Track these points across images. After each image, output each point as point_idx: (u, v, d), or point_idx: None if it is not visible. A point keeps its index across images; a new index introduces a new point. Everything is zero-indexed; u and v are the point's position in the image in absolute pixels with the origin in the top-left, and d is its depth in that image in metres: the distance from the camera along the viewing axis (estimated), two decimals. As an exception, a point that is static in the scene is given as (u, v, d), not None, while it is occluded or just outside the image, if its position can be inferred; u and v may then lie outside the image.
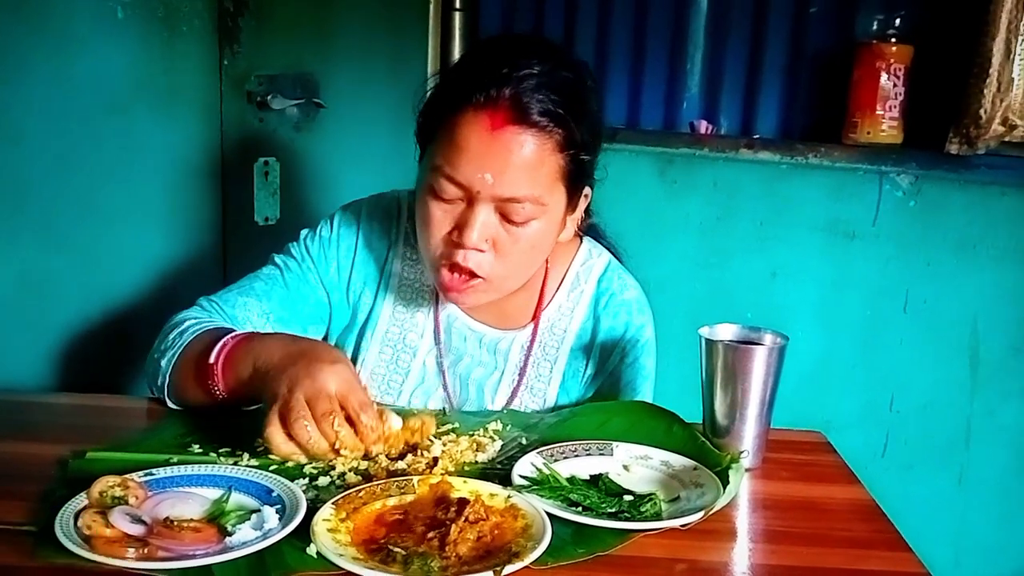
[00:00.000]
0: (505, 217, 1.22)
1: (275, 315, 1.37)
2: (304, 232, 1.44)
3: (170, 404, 1.27)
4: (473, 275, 1.23)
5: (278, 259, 1.42)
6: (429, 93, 1.30)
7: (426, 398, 1.41)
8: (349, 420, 1.06)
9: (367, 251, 1.42)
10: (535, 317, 1.41)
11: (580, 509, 1.00)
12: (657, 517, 0.99)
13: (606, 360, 1.41)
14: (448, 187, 1.20)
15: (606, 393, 1.40)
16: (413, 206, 1.40)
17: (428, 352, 1.41)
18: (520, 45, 1.26)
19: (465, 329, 1.41)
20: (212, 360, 1.17)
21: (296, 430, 1.03)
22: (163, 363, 1.25)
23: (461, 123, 1.19)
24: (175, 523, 0.91)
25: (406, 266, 1.42)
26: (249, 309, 1.35)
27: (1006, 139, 2.17)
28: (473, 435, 1.19)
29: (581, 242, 1.46)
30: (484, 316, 1.40)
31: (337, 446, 1.04)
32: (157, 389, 1.28)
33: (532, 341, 1.41)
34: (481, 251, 1.22)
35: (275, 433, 1.04)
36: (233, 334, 1.20)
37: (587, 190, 1.33)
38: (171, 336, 1.27)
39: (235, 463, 1.08)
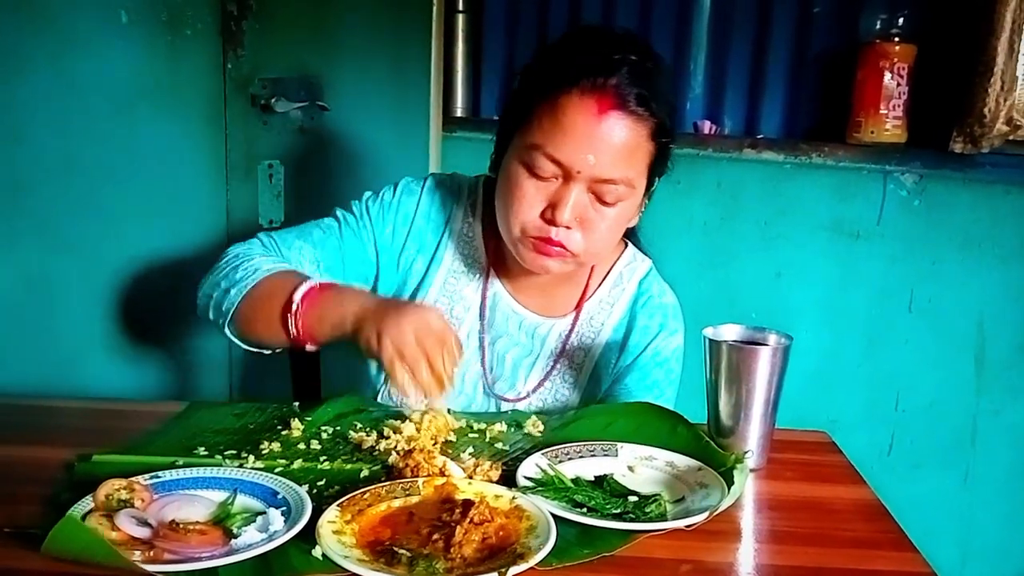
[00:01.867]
0: (597, 197, 1.28)
1: (325, 264, 1.40)
2: (367, 193, 1.48)
3: (228, 334, 1.32)
4: (562, 248, 1.28)
5: (339, 212, 1.46)
6: (521, 79, 1.34)
7: (464, 369, 1.43)
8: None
9: (425, 221, 1.45)
10: (578, 307, 1.46)
11: (585, 510, 1.00)
12: (662, 518, 0.99)
13: (637, 354, 1.45)
14: (547, 165, 1.25)
15: (631, 386, 1.43)
16: (474, 188, 1.48)
17: (472, 326, 1.44)
18: (617, 35, 1.31)
19: (508, 310, 1.44)
20: (298, 299, 1.22)
21: (408, 355, 1.13)
22: (232, 292, 1.29)
23: (567, 105, 1.23)
24: (181, 526, 0.91)
25: (462, 242, 1.45)
26: (303, 253, 1.39)
27: (1010, 138, 2.17)
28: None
29: (626, 246, 1.51)
30: (528, 302, 1.45)
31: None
32: (220, 315, 1.31)
33: (571, 330, 1.45)
34: (569, 228, 1.27)
35: (389, 353, 1.14)
36: (316, 279, 1.26)
37: (656, 179, 1.37)
38: (242, 267, 1.31)
39: (240, 465, 1.09)
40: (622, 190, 1.27)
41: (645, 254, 1.53)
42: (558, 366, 1.45)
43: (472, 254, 1.45)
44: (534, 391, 1.45)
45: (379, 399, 1.43)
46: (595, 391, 1.46)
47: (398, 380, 1.14)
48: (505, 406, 1.42)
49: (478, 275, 1.45)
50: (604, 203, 1.28)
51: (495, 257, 1.44)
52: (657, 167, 1.33)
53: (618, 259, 1.49)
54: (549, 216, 1.27)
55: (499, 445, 1.18)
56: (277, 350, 1.35)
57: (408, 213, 1.45)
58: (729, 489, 1.04)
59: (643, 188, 1.32)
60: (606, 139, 1.23)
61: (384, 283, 1.46)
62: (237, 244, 1.40)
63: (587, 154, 1.23)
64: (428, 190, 1.47)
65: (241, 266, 1.31)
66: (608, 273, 1.48)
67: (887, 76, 2.24)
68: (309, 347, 1.26)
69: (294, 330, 1.23)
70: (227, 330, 1.31)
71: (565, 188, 1.26)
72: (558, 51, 1.31)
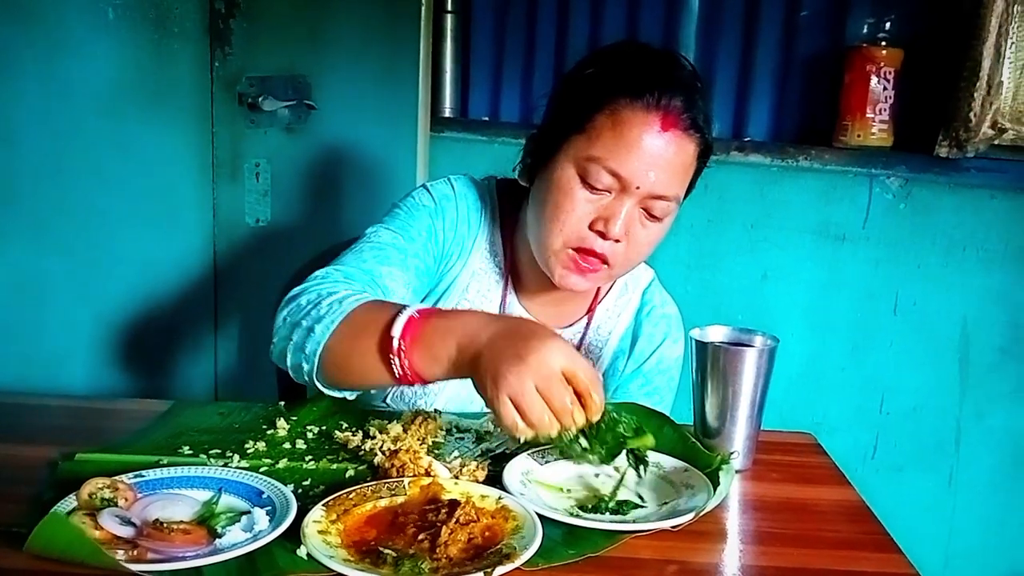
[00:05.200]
0: (646, 211, 1.27)
1: (413, 286, 1.34)
2: (400, 204, 1.40)
3: (314, 380, 1.16)
4: (603, 262, 1.27)
5: (393, 227, 1.35)
6: (573, 85, 1.31)
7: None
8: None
9: (466, 225, 1.42)
10: (589, 311, 1.46)
11: (572, 506, 1.01)
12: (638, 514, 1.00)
13: (642, 362, 1.46)
14: (605, 178, 1.23)
15: (634, 393, 1.44)
16: (491, 191, 1.45)
17: None
18: (670, 54, 1.30)
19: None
20: (398, 334, 1.05)
21: (533, 418, 0.97)
22: (319, 329, 1.12)
23: (632, 119, 1.22)
24: (165, 525, 0.90)
25: (486, 247, 1.43)
26: (395, 279, 1.30)
27: (995, 142, 2.19)
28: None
29: None
30: (538, 311, 1.44)
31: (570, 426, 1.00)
32: (303, 358, 1.14)
33: (581, 339, 1.45)
34: (618, 241, 1.26)
35: (510, 417, 0.98)
36: (417, 307, 1.09)
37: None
38: (325, 302, 1.15)
39: (225, 465, 1.08)
40: (672, 206, 1.27)
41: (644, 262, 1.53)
42: None
43: (493, 259, 1.43)
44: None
45: (388, 400, 1.42)
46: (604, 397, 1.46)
47: (512, 427, 0.99)
48: None
49: (497, 281, 1.43)
50: (652, 218, 1.27)
51: (510, 263, 1.43)
52: (692, 184, 1.33)
53: None
54: (600, 228, 1.25)
55: (485, 445, 1.18)
56: (373, 391, 1.24)
57: (452, 218, 1.41)
58: (715, 490, 1.04)
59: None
60: (666, 156, 1.23)
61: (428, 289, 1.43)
62: (312, 282, 1.23)
63: (649, 171, 1.22)
64: (460, 194, 1.42)
65: (324, 301, 1.16)
66: (614, 282, 1.48)
67: (874, 80, 2.25)
68: (419, 387, 1.13)
69: (400, 371, 1.07)
70: (314, 376, 1.15)
71: (618, 202, 1.24)
72: (615, 61, 1.29)
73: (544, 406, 0.98)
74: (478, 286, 1.42)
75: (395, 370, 1.07)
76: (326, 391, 1.18)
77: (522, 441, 1.02)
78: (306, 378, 1.17)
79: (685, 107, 1.23)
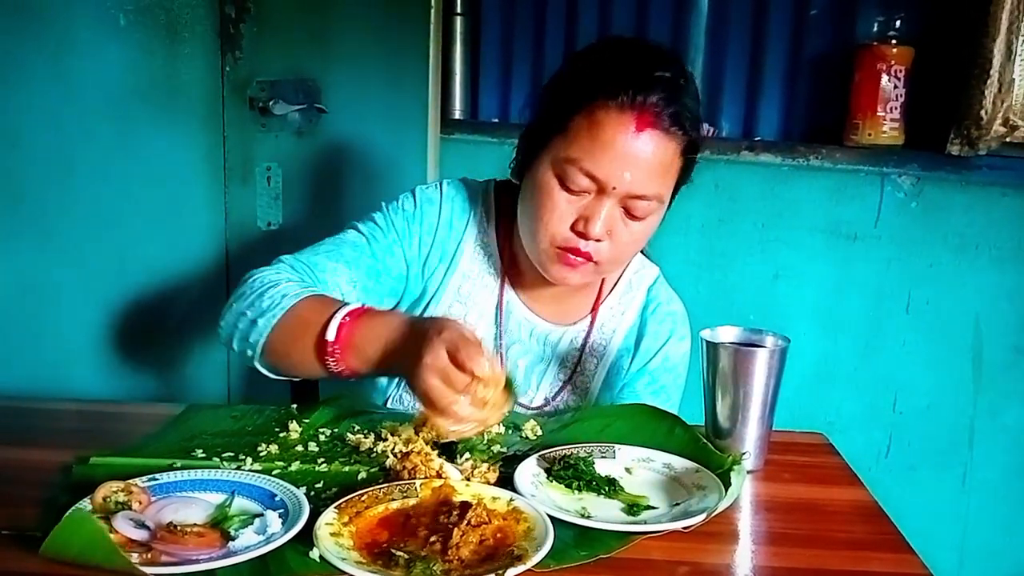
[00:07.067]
0: (628, 211, 1.28)
1: (361, 284, 1.37)
2: (385, 205, 1.44)
3: (257, 366, 1.25)
4: (588, 259, 1.29)
5: (363, 227, 1.41)
6: (555, 85, 1.33)
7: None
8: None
9: (448, 229, 1.43)
10: (593, 309, 1.46)
11: (583, 508, 1.01)
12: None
13: (648, 360, 1.46)
14: (582, 180, 1.25)
15: (641, 392, 1.44)
16: (486, 193, 1.46)
17: (487, 332, 1.43)
18: (652, 49, 1.31)
19: (522, 317, 1.44)
20: (331, 338, 1.15)
21: (455, 415, 1.06)
22: (261, 323, 1.21)
23: (605, 120, 1.23)
24: (178, 528, 0.91)
25: (478, 249, 1.44)
26: (339, 275, 1.35)
27: (1007, 140, 2.18)
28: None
29: None
30: (542, 309, 1.45)
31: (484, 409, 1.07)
32: (247, 346, 1.23)
33: (586, 337, 1.45)
34: (600, 240, 1.27)
35: (441, 425, 1.08)
36: (348, 309, 1.17)
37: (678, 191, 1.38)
38: (268, 294, 1.23)
39: (238, 468, 1.09)
40: (653, 205, 1.28)
41: (650, 260, 1.53)
42: (573, 374, 1.45)
43: (487, 261, 1.44)
44: (554, 398, 1.45)
45: (389, 404, 1.43)
46: (608, 397, 1.46)
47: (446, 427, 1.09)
48: (518, 411, 1.42)
49: (493, 282, 1.44)
50: (634, 217, 1.28)
51: (509, 264, 1.44)
52: (682, 180, 1.33)
53: (627, 266, 1.49)
54: (581, 229, 1.26)
55: (497, 447, 1.18)
56: (373, 395, 1.31)
57: (432, 223, 1.43)
58: (727, 491, 1.04)
59: (667, 201, 1.32)
60: (642, 156, 1.23)
61: (409, 293, 1.44)
62: (262, 268, 1.31)
63: (624, 171, 1.23)
64: (447, 198, 1.44)
65: (267, 293, 1.24)
66: (618, 280, 1.48)
67: (884, 78, 2.24)
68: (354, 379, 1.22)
69: (335, 370, 1.17)
70: (257, 363, 1.25)
71: (598, 202, 1.25)
72: (594, 61, 1.30)
73: (449, 390, 1.05)
74: (470, 288, 1.43)
75: (331, 369, 1.17)
76: (269, 375, 1.26)
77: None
78: (249, 364, 1.26)
79: (663, 105, 1.23)
